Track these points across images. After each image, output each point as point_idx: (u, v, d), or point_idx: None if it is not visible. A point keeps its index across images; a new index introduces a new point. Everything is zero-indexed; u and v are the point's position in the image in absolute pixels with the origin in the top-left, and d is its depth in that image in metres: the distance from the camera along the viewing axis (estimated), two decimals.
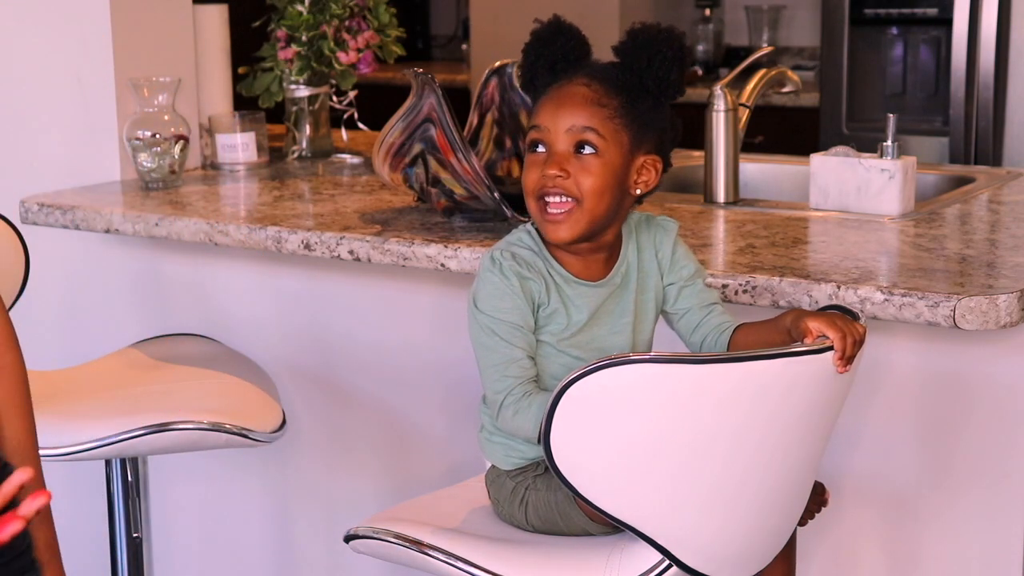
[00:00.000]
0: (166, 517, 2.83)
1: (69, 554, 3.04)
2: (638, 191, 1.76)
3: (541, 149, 1.73)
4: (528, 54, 1.79)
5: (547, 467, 1.75)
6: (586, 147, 1.71)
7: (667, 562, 1.64)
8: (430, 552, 1.72)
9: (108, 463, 2.38)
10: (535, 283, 1.72)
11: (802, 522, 1.80)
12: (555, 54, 1.77)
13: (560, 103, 1.73)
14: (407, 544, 1.75)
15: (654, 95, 1.74)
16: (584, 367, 1.55)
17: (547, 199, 1.72)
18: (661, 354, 1.56)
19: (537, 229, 1.78)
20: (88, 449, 2.14)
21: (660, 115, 1.76)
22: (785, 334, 1.69)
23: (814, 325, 1.62)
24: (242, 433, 2.17)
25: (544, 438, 1.58)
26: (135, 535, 2.41)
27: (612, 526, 1.68)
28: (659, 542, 1.62)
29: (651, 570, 1.65)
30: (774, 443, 1.62)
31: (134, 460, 2.38)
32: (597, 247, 1.77)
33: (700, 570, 1.65)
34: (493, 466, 1.83)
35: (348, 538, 1.83)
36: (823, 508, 1.86)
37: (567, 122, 1.71)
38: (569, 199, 1.71)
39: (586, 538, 1.75)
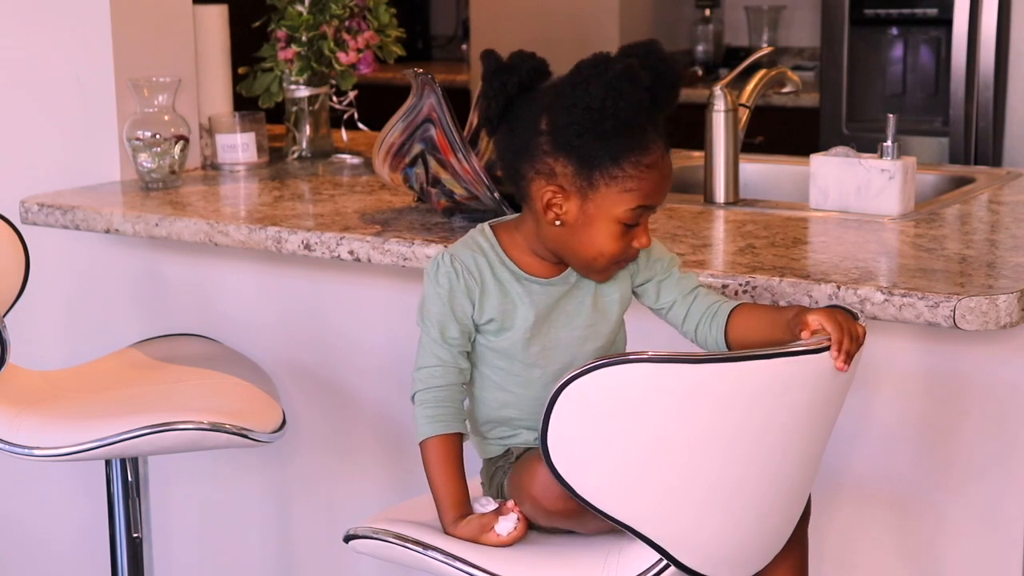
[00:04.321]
0: (166, 517, 2.83)
1: (69, 554, 3.05)
2: None
3: (637, 223, 1.71)
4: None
5: (519, 455, 1.77)
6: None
7: (664, 562, 1.64)
8: (429, 552, 1.72)
9: (108, 463, 2.38)
10: (470, 287, 1.74)
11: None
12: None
13: (666, 180, 1.71)
14: (406, 544, 1.75)
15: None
16: (581, 367, 1.55)
17: (621, 263, 1.74)
18: (659, 353, 1.55)
19: (492, 228, 1.78)
20: (88, 449, 2.14)
21: None
22: (787, 330, 1.69)
23: (813, 319, 1.63)
24: (242, 433, 2.17)
25: (541, 437, 1.58)
26: (135, 535, 2.41)
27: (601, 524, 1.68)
28: (657, 542, 1.62)
29: (648, 570, 1.65)
30: (772, 443, 1.62)
31: (134, 460, 2.38)
32: None
33: (698, 570, 1.64)
34: (485, 461, 1.84)
35: (348, 538, 1.83)
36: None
37: (666, 196, 1.73)
38: None
39: (584, 538, 1.75)
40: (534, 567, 1.70)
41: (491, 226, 1.80)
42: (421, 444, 1.77)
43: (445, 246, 2.16)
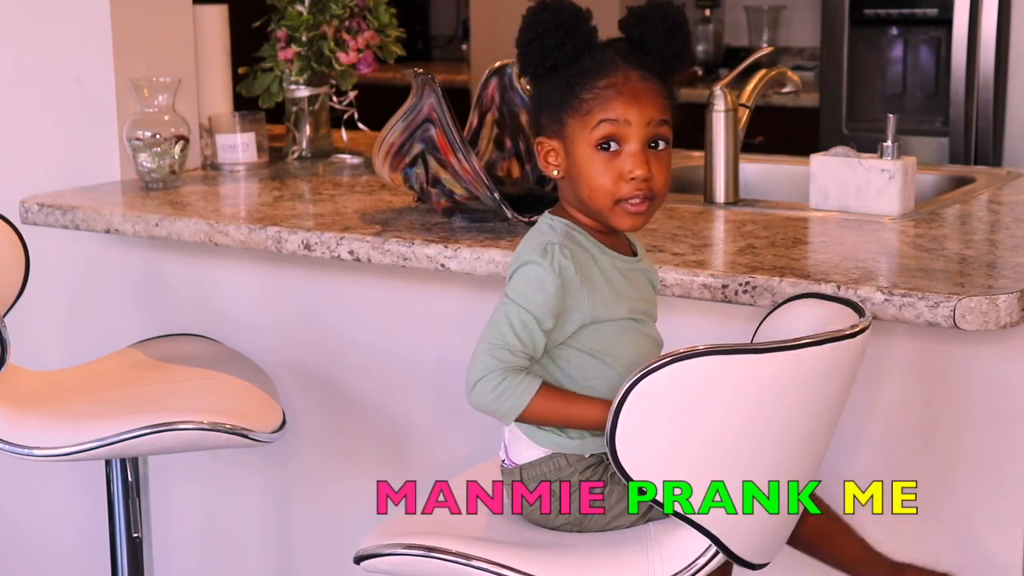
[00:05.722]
0: (166, 517, 2.83)
1: (69, 554, 3.05)
2: None
3: (615, 146, 1.68)
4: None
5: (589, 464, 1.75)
6: (661, 142, 1.70)
7: (714, 549, 1.65)
8: (473, 563, 1.68)
9: (108, 463, 2.38)
10: (582, 283, 1.68)
11: None
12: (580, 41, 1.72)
13: (636, 96, 1.67)
14: (448, 558, 1.70)
15: (673, 75, 1.74)
16: (651, 364, 1.56)
17: (630, 202, 1.69)
18: (721, 345, 1.58)
19: (568, 221, 1.74)
20: (88, 449, 2.14)
21: None
22: None
23: None
24: (242, 433, 2.17)
25: (609, 438, 1.58)
26: (135, 535, 2.41)
27: None
28: (711, 531, 1.64)
29: (699, 558, 1.66)
30: (816, 426, 1.66)
31: (134, 460, 2.38)
32: None
33: (743, 556, 1.67)
34: (530, 463, 1.78)
35: (359, 559, 1.77)
36: None
37: (647, 115, 1.68)
38: (649, 199, 1.70)
39: (613, 536, 1.73)
40: (580, 569, 1.69)
41: (558, 215, 1.76)
42: (526, 412, 1.65)
43: (445, 246, 2.16)
